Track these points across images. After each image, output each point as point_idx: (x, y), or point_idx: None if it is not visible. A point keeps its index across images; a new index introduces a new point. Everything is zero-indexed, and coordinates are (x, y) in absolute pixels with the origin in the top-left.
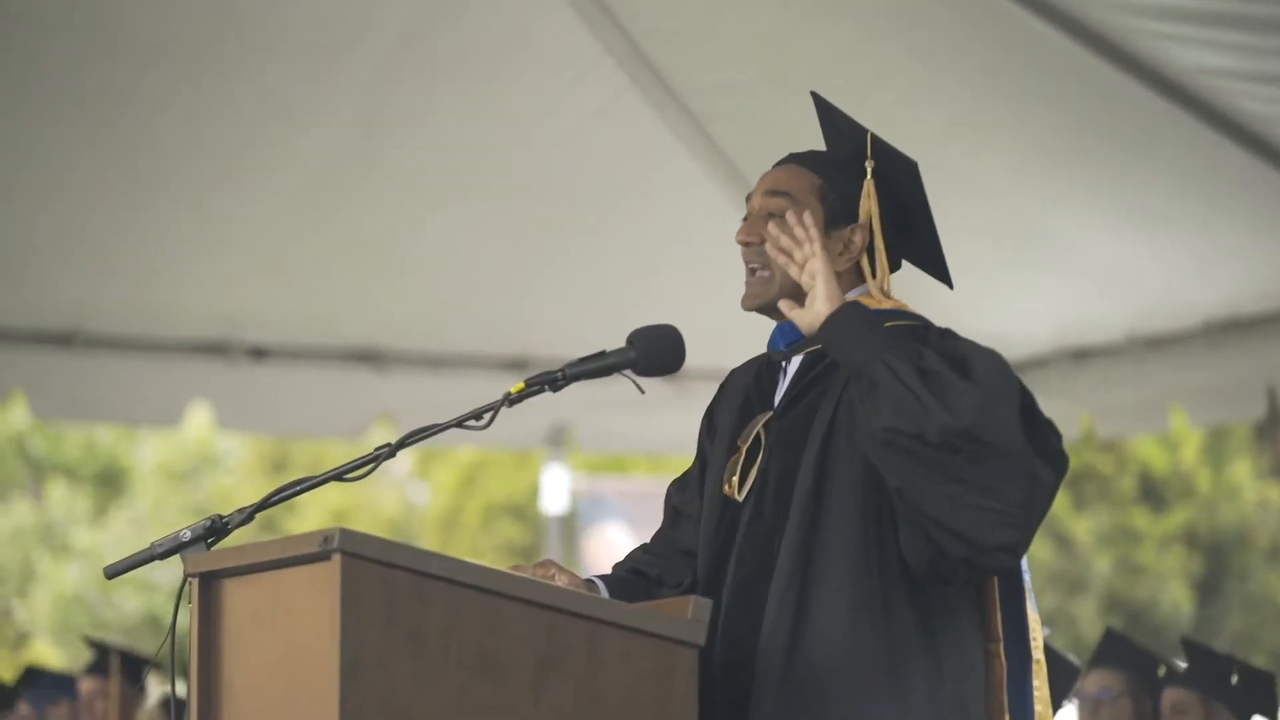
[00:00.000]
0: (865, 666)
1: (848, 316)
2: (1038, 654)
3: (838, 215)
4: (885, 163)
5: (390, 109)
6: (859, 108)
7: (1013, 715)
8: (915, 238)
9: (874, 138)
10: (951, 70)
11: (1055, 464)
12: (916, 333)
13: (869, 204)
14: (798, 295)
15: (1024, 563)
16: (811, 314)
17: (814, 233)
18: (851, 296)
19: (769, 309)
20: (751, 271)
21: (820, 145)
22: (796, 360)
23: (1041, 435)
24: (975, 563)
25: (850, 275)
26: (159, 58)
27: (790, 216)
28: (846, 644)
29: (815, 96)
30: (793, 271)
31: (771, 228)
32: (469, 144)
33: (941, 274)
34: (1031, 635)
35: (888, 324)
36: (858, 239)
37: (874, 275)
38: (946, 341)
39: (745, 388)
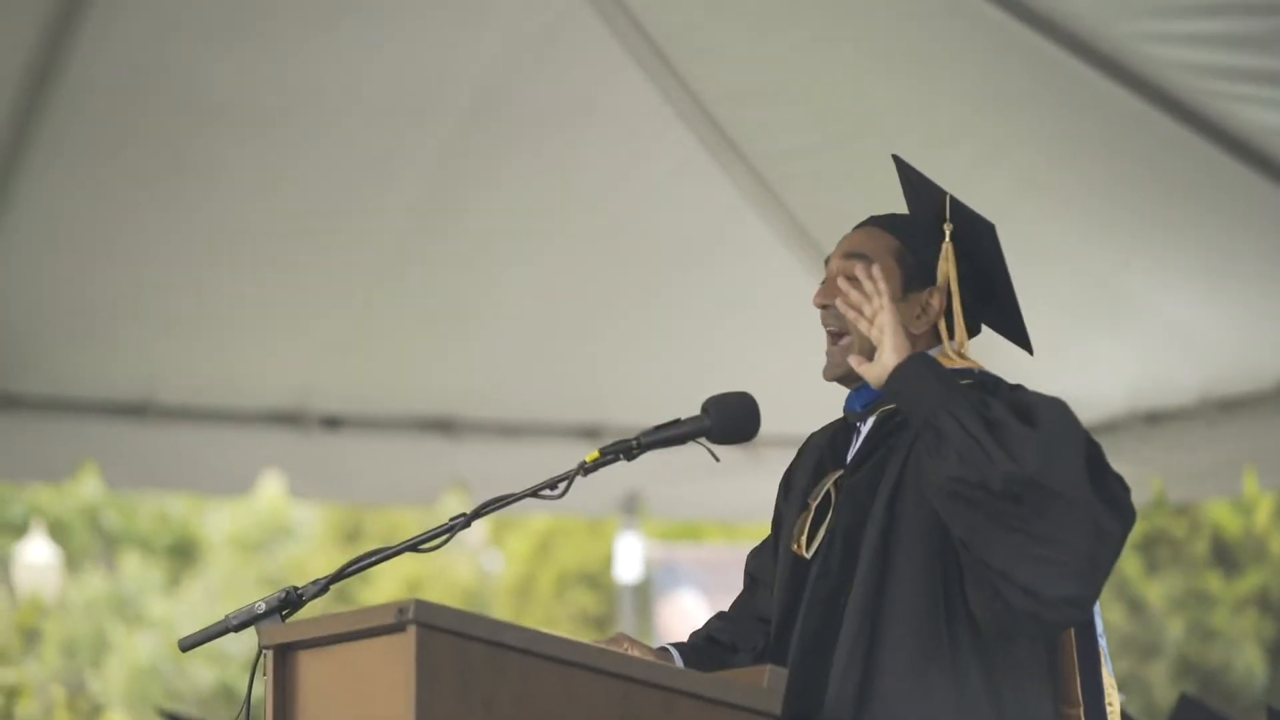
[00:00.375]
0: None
1: (916, 367)
2: (1114, 718)
3: (915, 278)
4: (963, 225)
5: (462, 175)
6: (930, 169)
7: None
8: (994, 302)
9: (952, 200)
10: (1023, 131)
11: (1122, 515)
12: (986, 387)
13: (946, 266)
14: (872, 355)
15: (1099, 625)
16: (879, 366)
17: (882, 285)
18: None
19: (849, 379)
20: (834, 339)
21: (893, 207)
22: (871, 420)
23: (1108, 486)
24: (1040, 616)
25: (928, 338)
26: (232, 122)
27: (860, 271)
28: (914, 701)
29: (896, 159)
30: (862, 326)
31: (841, 283)
32: (540, 209)
33: (1021, 339)
34: (1108, 700)
35: (959, 381)
36: (935, 302)
37: (951, 337)
38: (1016, 394)
39: (820, 449)
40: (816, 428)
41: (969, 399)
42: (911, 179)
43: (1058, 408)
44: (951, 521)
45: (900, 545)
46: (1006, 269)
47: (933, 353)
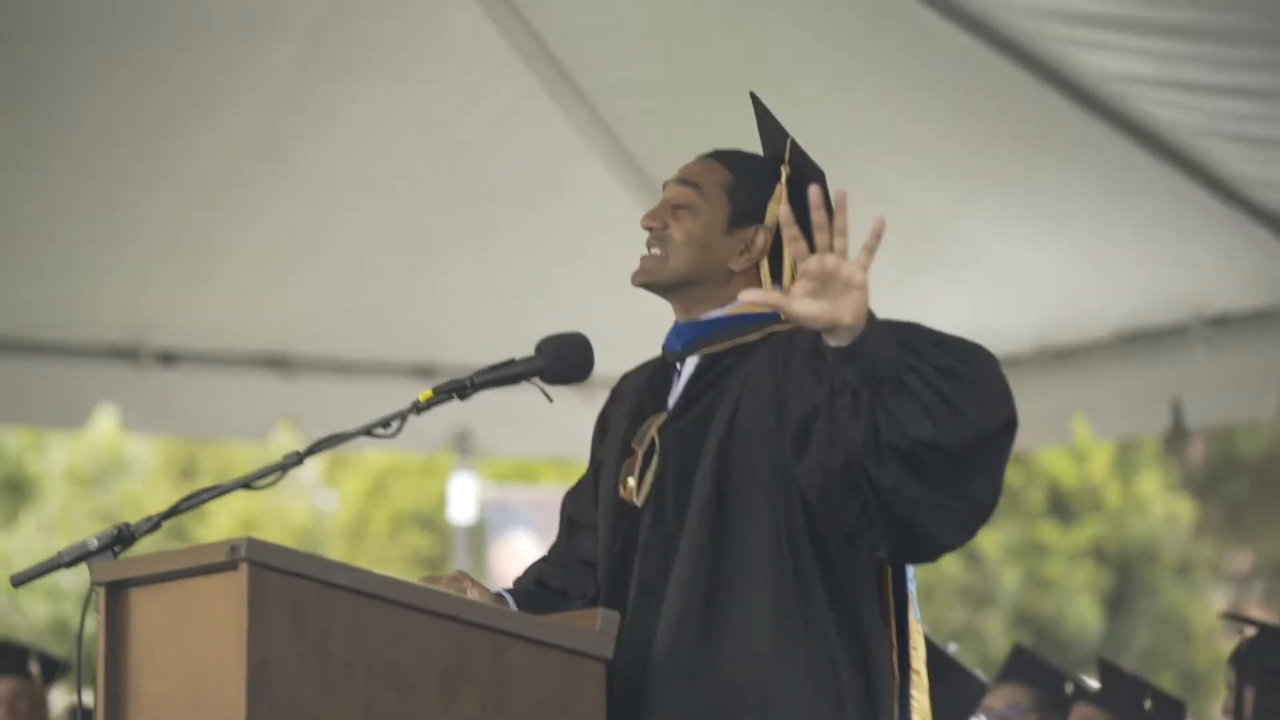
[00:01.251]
0: (784, 659)
1: (878, 326)
2: (918, 664)
3: (742, 214)
4: (799, 170)
5: (297, 110)
6: (768, 104)
7: None
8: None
9: (793, 143)
10: (859, 74)
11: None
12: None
13: (775, 207)
14: (689, 285)
15: (909, 570)
16: (849, 314)
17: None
18: (744, 302)
19: (656, 288)
20: (648, 247)
21: (731, 145)
22: (692, 361)
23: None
24: (902, 554)
25: (748, 276)
26: (64, 51)
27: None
28: (761, 638)
29: (753, 96)
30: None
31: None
32: (376, 145)
33: None
34: (913, 645)
35: (778, 328)
36: (760, 240)
37: (777, 280)
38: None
39: (638, 390)
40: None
41: (910, 344)
42: (762, 118)
43: (986, 353)
44: (886, 478)
45: (736, 490)
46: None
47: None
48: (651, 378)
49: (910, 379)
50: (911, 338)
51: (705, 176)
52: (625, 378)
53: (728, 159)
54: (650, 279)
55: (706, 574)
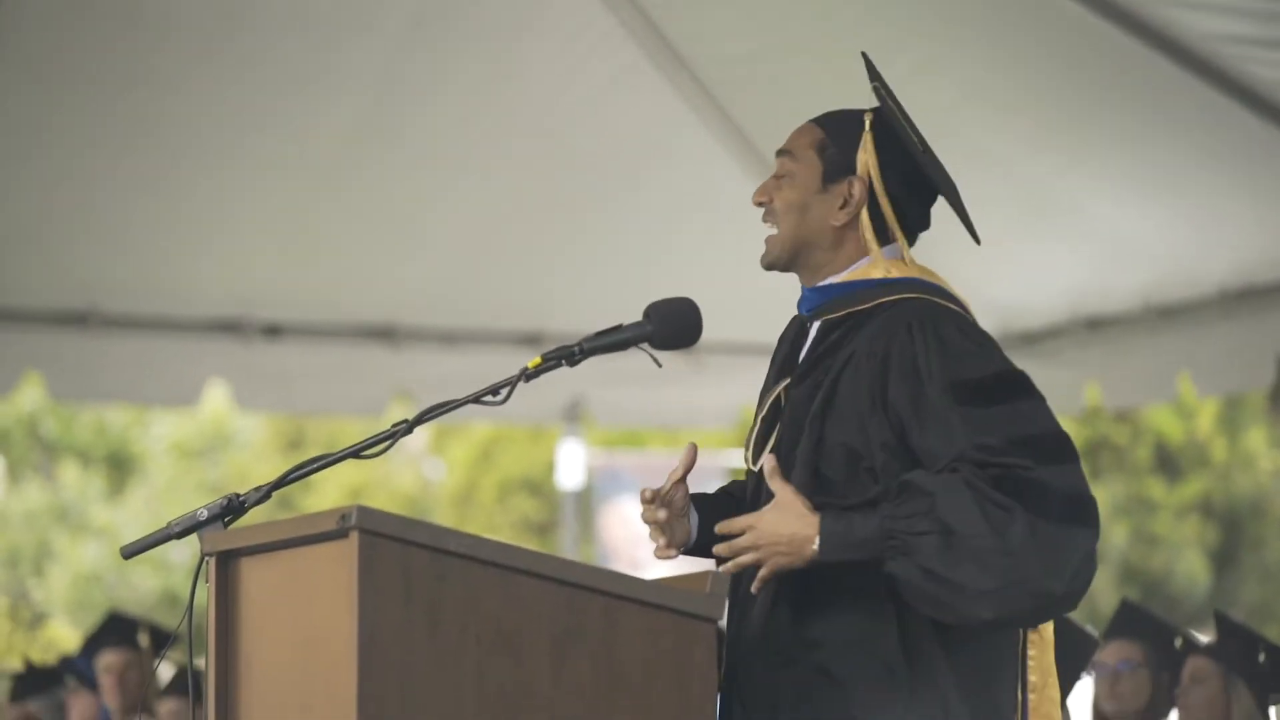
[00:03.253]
0: (875, 641)
1: (832, 538)
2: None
3: (835, 168)
4: (883, 115)
5: (404, 85)
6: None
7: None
8: (925, 188)
9: (875, 89)
10: (965, 41)
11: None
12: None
13: (865, 155)
14: (802, 251)
15: None
16: (795, 560)
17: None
18: (860, 266)
19: (778, 266)
20: (764, 223)
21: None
22: (816, 326)
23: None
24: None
25: (854, 228)
26: (174, 35)
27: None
28: (855, 615)
29: (865, 58)
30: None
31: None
32: (482, 119)
33: (966, 225)
34: None
35: (885, 299)
36: (856, 191)
37: (883, 242)
38: (962, 368)
39: (786, 344)
40: (757, 335)
41: (908, 542)
42: (870, 74)
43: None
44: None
45: (829, 466)
46: (923, 152)
47: (863, 262)
48: (793, 338)
49: (900, 571)
50: (899, 526)
51: (797, 140)
52: (784, 331)
53: (821, 118)
54: (770, 260)
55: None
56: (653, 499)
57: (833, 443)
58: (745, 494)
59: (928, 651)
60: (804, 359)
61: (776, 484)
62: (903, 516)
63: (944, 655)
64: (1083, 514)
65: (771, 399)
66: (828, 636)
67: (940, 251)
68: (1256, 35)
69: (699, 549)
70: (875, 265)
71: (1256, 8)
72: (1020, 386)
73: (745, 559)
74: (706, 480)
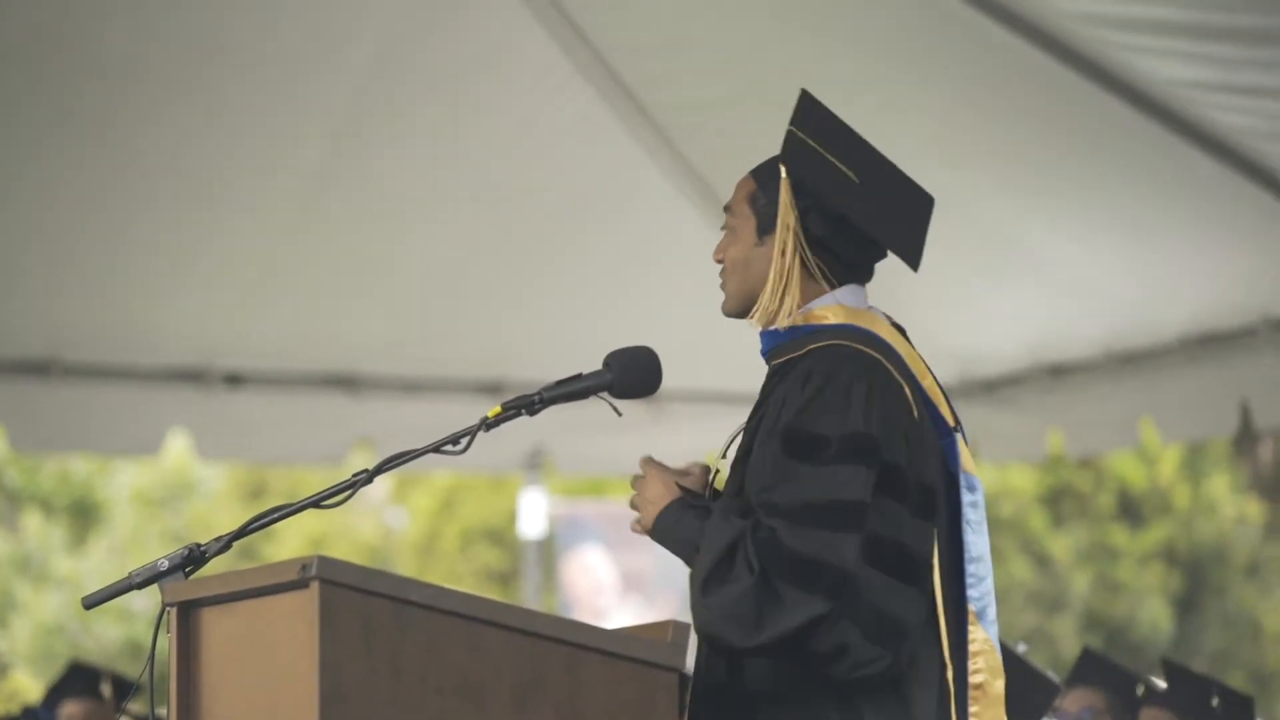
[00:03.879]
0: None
1: (662, 530)
2: (976, 678)
3: (767, 219)
4: (797, 161)
5: (363, 132)
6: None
7: None
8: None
9: (788, 133)
10: (925, 85)
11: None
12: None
13: (784, 206)
14: (746, 302)
15: (970, 589)
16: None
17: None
18: (807, 310)
19: (733, 316)
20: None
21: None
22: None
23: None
24: None
25: (803, 277)
26: (136, 79)
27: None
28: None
29: (803, 93)
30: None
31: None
32: (441, 165)
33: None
34: (972, 660)
35: (815, 345)
36: (789, 241)
37: (828, 282)
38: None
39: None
40: (718, 382)
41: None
42: (795, 114)
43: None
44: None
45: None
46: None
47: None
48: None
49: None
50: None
51: (737, 194)
52: None
53: (757, 169)
54: (726, 309)
55: None
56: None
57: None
58: None
59: (859, 705)
60: (757, 401)
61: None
62: (702, 534)
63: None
64: (816, 581)
65: (732, 440)
66: (760, 689)
67: (900, 298)
68: (1217, 81)
69: None
70: (815, 311)
71: (1217, 54)
72: (850, 452)
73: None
74: None
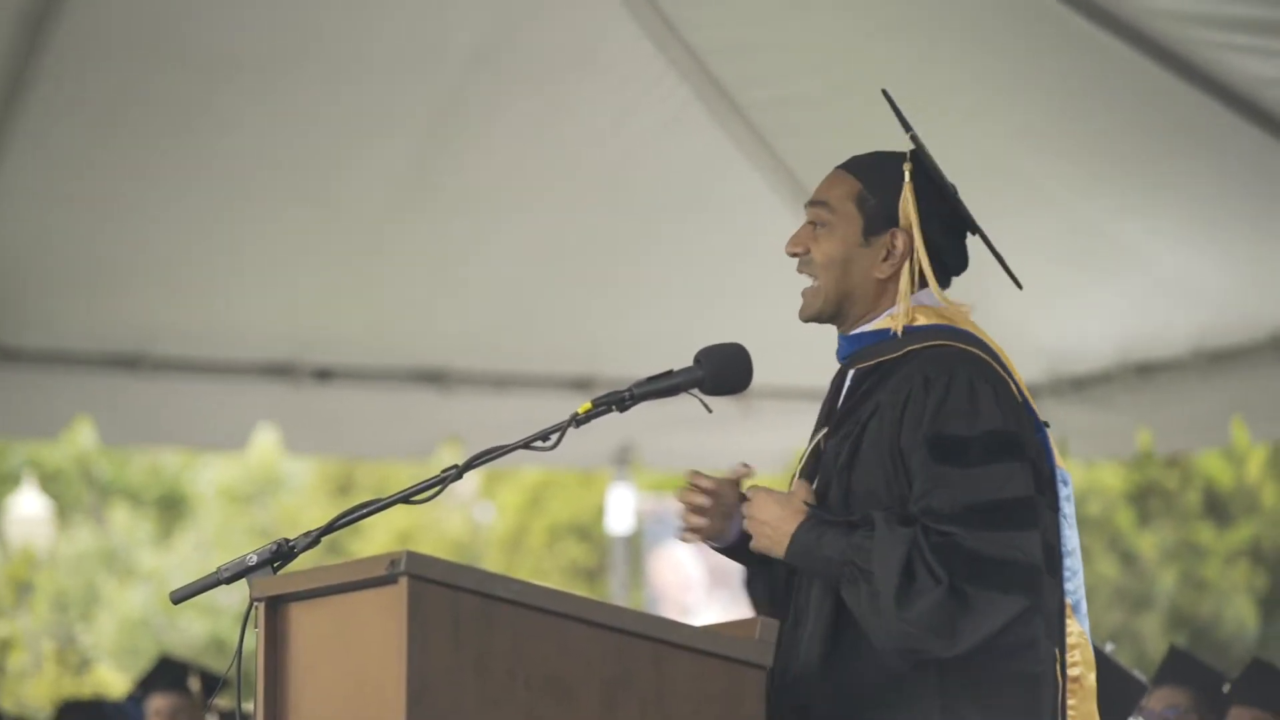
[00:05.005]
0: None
1: (799, 543)
2: (1074, 671)
3: (876, 219)
4: (922, 166)
5: (455, 128)
6: (925, 119)
7: None
8: (963, 230)
9: (913, 136)
10: (1019, 82)
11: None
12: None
13: (907, 208)
14: (844, 302)
15: (1075, 578)
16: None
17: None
18: (892, 313)
19: (821, 319)
20: (799, 273)
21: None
22: (850, 374)
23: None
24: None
25: (896, 282)
26: (230, 75)
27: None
28: (883, 673)
29: (886, 95)
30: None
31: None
32: (535, 161)
33: (1004, 267)
34: (1069, 653)
35: (914, 346)
36: (900, 243)
37: (916, 284)
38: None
39: (831, 390)
40: (807, 379)
41: (865, 569)
42: (899, 115)
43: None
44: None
45: (858, 510)
46: (955, 194)
47: (892, 312)
48: (838, 381)
49: (848, 597)
50: (857, 557)
51: (833, 191)
52: (840, 368)
53: (855, 167)
54: (810, 313)
55: (833, 599)
56: (701, 485)
57: (860, 492)
58: None
59: (961, 701)
60: (839, 408)
61: (797, 480)
62: (861, 549)
63: (976, 708)
64: (1011, 581)
65: (811, 447)
66: (865, 687)
67: (989, 297)
68: None
69: (734, 550)
70: (907, 313)
71: None
72: (998, 450)
73: (745, 522)
74: None
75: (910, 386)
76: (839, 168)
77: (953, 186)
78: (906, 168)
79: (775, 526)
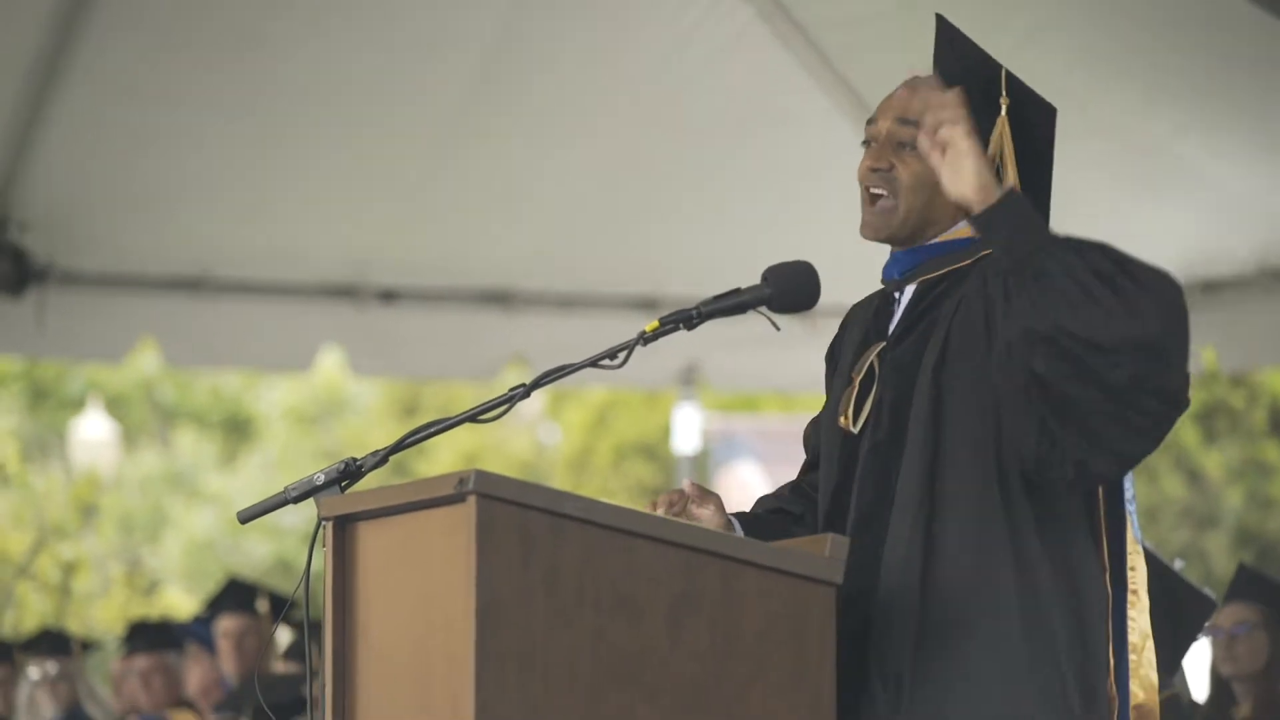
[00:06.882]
0: (997, 589)
1: (1018, 201)
2: (1135, 584)
3: None
4: (1021, 102)
5: (518, 49)
6: (986, 38)
7: (1115, 644)
8: (1031, 185)
9: (1009, 75)
10: (1077, 5)
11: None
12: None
13: (1002, 142)
14: (922, 226)
15: (1129, 491)
16: (973, 188)
17: (964, 111)
18: (957, 228)
19: (893, 241)
20: (873, 200)
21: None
22: (910, 289)
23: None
24: (1088, 467)
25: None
26: (287, 3)
27: (936, 100)
28: (977, 568)
29: (940, 19)
30: (939, 156)
31: (924, 116)
32: (595, 83)
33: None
34: (1130, 565)
35: (987, 252)
36: (1007, 160)
37: None
38: (1115, 251)
39: (864, 321)
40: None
41: (1073, 244)
42: (958, 43)
43: (1164, 274)
44: (1035, 363)
45: (950, 415)
46: (1052, 155)
47: (958, 227)
48: (876, 308)
49: (1053, 267)
50: (1081, 243)
51: (920, 110)
52: (852, 310)
53: (945, 87)
54: (884, 233)
55: (924, 501)
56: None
57: (952, 387)
58: (801, 504)
59: (1038, 586)
60: (901, 319)
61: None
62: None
63: (1058, 613)
64: (1165, 275)
65: (866, 363)
66: (948, 579)
67: (1052, 213)
68: None
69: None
70: (960, 229)
71: None
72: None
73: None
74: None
75: (994, 271)
76: (926, 86)
77: (1052, 108)
78: (1004, 103)
79: (984, 174)
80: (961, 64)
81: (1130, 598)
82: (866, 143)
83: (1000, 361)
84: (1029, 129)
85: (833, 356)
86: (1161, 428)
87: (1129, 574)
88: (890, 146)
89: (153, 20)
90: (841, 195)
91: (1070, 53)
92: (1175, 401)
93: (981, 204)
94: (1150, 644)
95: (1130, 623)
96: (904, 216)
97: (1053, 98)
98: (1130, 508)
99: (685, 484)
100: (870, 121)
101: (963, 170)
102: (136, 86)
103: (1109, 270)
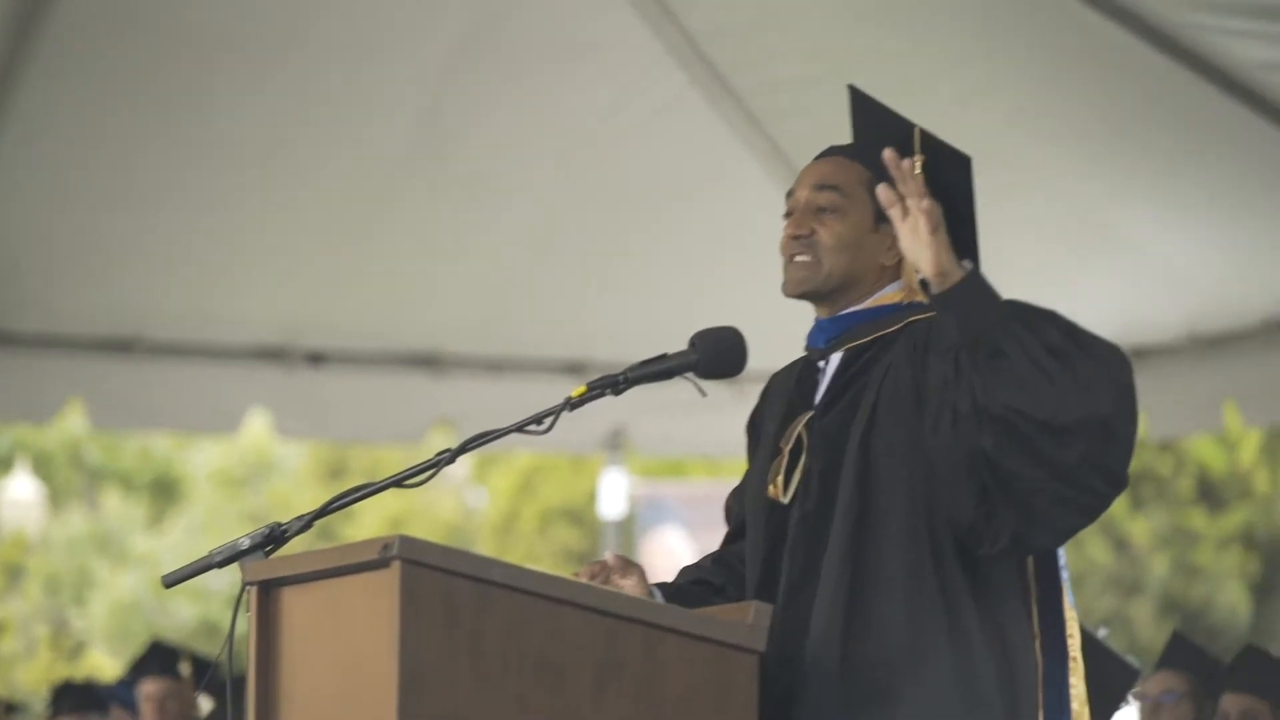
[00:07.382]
0: (929, 658)
1: (978, 283)
2: (1074, 652)
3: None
4: (935, 158)
5: (449, 112)
6: (918, 103)
7: (1047, 713)
8: (955, 235)
9: (922, 132)
10: (1012, 66)
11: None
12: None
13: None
14: (845, 286)
15: (1062, 558)
16: (930, 266)
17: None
18: (884, 294)
19: (811, 297)
20: (790, 258)
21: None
22: (835, 358)
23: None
24: (1025, 540)
25: (894, 272)
26: (222, 57)
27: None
28: (911, 636)
29: (852, 90)
30: (914, 228)
31: (883, 191)
32: (527, 146)
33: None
34: (1069, 632)
35: (916, 317)
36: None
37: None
38: (1059, 320)
39: (787, 390)
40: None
41: (1023, 316)
42: (872, 110)
43: (1114, 348)
44: (986, 442)
45: (878, 483)
46: (974, 203)
47: (893, 287)
48: (799, 376)
49: (1009, 346)
50: (1031, 316)
51: (843, 177)
52: (773, 380)
53: (857, 155)
54: (806, 287)
55: (851, 569)
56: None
57: (881, 454)
58: (723, 575)
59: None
60: (827, 389)
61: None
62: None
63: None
64: (1115, 351)
65: (794, 433)
66: (876, 648)
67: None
68: None
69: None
70: (898, 291)
71: None
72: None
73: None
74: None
75: (924, 333)
76: (837, 154)
77: (966, 157)
78: (919, 160)
79: (944, 254)
80: (877, 130)
81: (1071, 664)
82: (788, 214)
83: (942, 432)
84: (944, 184)
85: (754, 426)
86: (1103, 506)
87: (1068, 641)
88: (810, 213)
89: (84, 81)
90: (770, 261)
91: (1004, 114)
92: (1118, 482)
93: (940, 286)
94: (1087, 711)
95: (1071, 689)
96: (828, 272)
97: (985, 159)
98: (1064, 575)
99: (608, 555)
100: (789, 194)
101: (924, 251)
102: (68, 145)
103: (1061, 345)
